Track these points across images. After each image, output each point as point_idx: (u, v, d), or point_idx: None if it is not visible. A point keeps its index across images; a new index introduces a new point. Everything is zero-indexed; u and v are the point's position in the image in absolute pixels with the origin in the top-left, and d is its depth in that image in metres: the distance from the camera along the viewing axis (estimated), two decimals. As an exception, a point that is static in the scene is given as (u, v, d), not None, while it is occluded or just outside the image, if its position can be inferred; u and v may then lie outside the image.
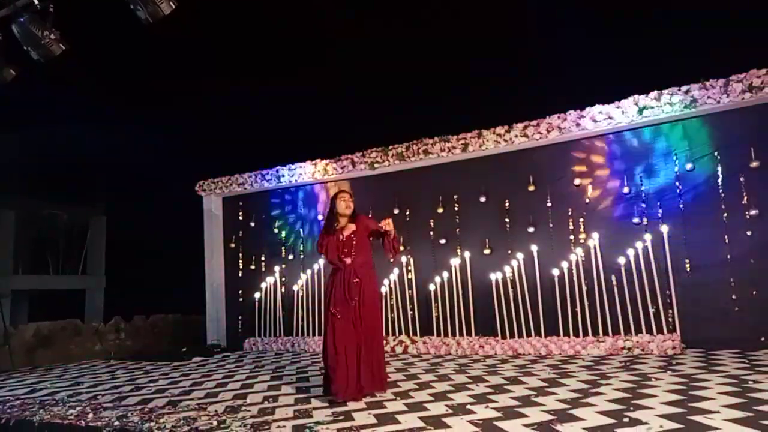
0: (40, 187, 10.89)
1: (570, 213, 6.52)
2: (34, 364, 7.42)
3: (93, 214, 13.50)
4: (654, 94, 5.94)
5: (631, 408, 3.44)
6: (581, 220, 6.45)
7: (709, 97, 5.68)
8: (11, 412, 4.18)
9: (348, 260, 4.36)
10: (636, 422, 3.12)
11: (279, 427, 3.45)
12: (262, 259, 8.59)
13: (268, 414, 3.84)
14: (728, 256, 5.70)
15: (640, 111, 5.98)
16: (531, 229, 6.67)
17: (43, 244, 12.39)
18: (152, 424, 3.58)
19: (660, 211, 6.06)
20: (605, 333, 6.02)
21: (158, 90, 8.45)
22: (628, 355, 5.62)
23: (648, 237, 5.97)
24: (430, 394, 4.23)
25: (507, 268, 6.68)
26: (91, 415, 3.92)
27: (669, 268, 5.87)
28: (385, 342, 5.47)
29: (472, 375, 4.99)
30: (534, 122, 6.57)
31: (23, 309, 12.28)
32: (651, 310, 5.87)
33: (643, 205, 6.15)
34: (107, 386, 5.37)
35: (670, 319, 5.84)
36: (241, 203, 8.86)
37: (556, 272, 6.34)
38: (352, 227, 4.39)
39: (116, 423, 3.65)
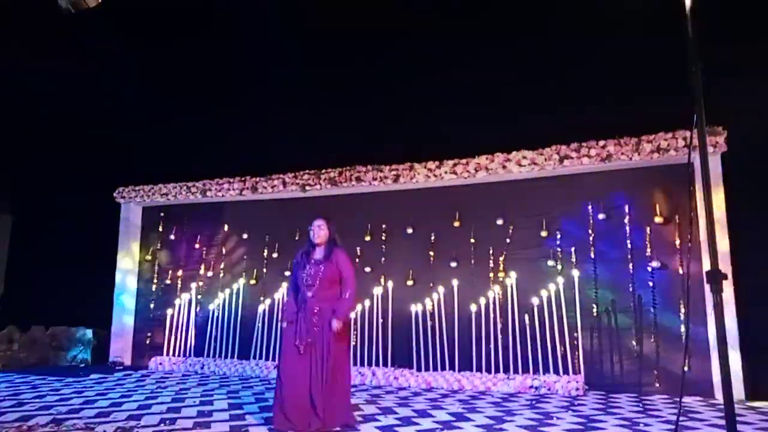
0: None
1: (491, 251, 6.72)
2: None
3: (-4, 212, 12.46)
4: (574, 145, 6.31)
5: (530, 445, 3.52)
6: (501, 258, 6.66)
7: (622, 154, 6.10)
8: None
9: (309, 293, 4.02)
10: (532, 459, 3.18)
11: (170, 451, 3.25)
12: (179, 274, 8.22)
13: (162, 437, 3.61)
14: (631, 304, 6.05)
15: (561, 160, 6.32)
16: (453, 264, 6.80)
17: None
18: (27, 443, 3.27)
19: (573, 256, 6.36)
20: (515, 371, 6.17)
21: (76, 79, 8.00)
22: (535, 393, 5.77)
23: (561, 280, 6.24)
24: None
25: (427, 301, 6.75)
26: (-43, 432, 3.54)
27: (578, 312, 6.14)
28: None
29: (383, 407, 4.94)
30: (463, 161, 6.79)
31: None
32: (559, 351, 6.09)
33: (559, 250, 6.44)
34: (-16, 400, 4.89)
35: (576, 361, 6.08)
36: (162, 214, 8.50)
37: (473, 308, 6.48)
38: (321, 259, 4.10)
39: (-15, 441, 3.30)
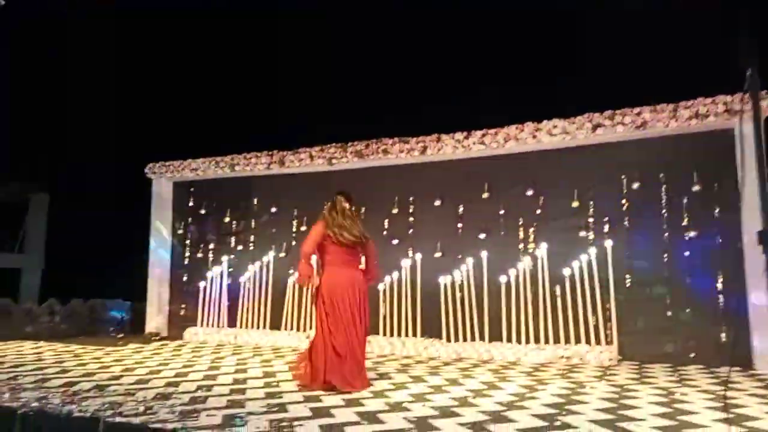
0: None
1: (521, 222, 6.63)
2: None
3: (34, 191, 12.85)
4: (608, 113, 6.12)
5: (564, 413, 3.50)
6: (531, 230, 6.57)
7: (658, 121, 5.90)
8: None
9: None
10: (566, 426, 3.17)
11: (209, 416, 3.34)
12: (211, 247, 8.37)
13: (200, 402, 3.71)
14: (666, 275, 5.92)
15: (594, 128, 6.15)
16: (482, 236, 6.74)
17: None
18: (74, 407, 3.39)
19: (606, 226, 6.23)
20: (546, 341, 6.13)
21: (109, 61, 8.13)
22: (567, 364, 5.73)
23: (593, 251, 6.12)
24: (369, 391, 4.19)
25: (456, 272, 6.73)
26: (7, 395, 3.69)
27: (611, 283, 6.03)
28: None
29: (413, 375, 4.98)
30: (492, 131, 6.66)
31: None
32: (591, 322, 6.03)
33: (591, 220, 6.31)
34: (30, 367, 5.09)
35: (608, 332, 6.00)
36: (192, 189, 8.61)
37: (503, 279, 6.43)
38: None
39: (34, 404, 3.44)
